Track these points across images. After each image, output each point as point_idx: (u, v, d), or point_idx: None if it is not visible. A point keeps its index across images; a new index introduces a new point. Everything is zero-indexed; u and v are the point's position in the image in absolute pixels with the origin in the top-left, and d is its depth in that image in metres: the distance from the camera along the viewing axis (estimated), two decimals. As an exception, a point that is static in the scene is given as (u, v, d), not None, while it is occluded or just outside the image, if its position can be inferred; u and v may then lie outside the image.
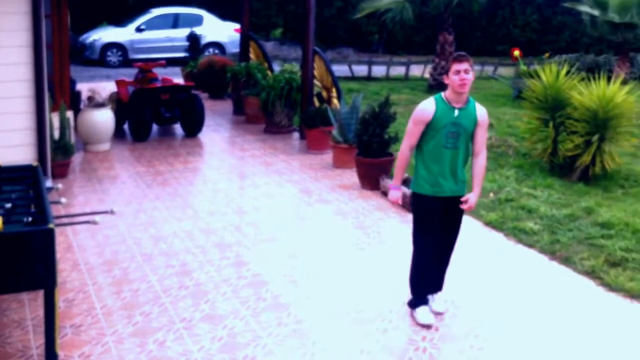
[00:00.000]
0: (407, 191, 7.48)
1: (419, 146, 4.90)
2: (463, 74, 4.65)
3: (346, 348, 4.64)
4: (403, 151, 4.96)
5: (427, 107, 4.81)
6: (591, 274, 5.81)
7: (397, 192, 5.10)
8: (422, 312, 4.99)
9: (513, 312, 5.18)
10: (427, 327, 4.90)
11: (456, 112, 4.76)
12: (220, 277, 5.77)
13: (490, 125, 12.26)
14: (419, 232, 4.97)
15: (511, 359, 4.52)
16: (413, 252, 5.05)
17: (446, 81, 4.77)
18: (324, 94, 11.31)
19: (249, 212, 7.45)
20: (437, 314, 5.09)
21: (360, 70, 19.47)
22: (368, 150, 8.41)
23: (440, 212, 4.88)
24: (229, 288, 5.55)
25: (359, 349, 4.63)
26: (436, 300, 5.16)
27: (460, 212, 4.99)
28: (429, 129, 4.79)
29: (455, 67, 4.66)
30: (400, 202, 5.17)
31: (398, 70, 19.87)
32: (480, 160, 4.92)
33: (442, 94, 4.83)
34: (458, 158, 4.83)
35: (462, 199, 4.89)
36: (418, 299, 5.06)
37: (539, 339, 4.77)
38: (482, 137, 4.87)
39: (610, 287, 5.57)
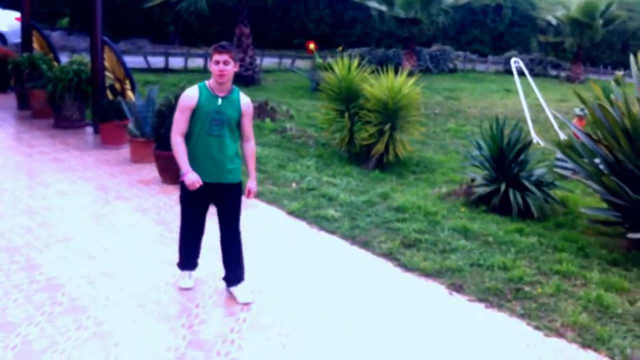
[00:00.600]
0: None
1: (188, 133, 4.91)
2: (222, 65, 4.75)
3: (151, 347, 4.47)
4: (174, 140, 4.88)
5: (190, 94, 4.86)
6: (389, 255, 6.11)
7: (193, 174, 4.90)
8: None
9: (318, 297, 5.29)
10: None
11: (219, 101, 4.85)
12: (10, 282, 5.31)
13: (290, 117, 12.58)
14: (183, 212, 5.17)
15: (318, 343, 4.61)
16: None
17: (211, 69, 4.86)
18: (117, 86, 10.86)
19: (40, 213, 6.94)
20: (245, 304, 5.08)
21: (157, 62, 19.00)
22: (166, 143, 8.14)
23: (205, 197, 5.00)
24: (20, 294, 5.12)
25: (165, 346, 4.48)
26: (241, 290, 5.17)
27: (234, 200, 5.07)
28: (194, 115, 4.85)
29: (216, 57, 4.76)
30: (200, 182, 4.96)
31: (196, 62, 19.66)
32: (250, 146, 5.08)
33: (207, 82, 4.90)
34: (223, 146, 4.90)
35: (246, 191, 5.08)
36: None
37: (343, 322, 4.91)
38: (247, 125, 5.00)
39: (407, 267, 5.88)
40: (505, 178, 7.75)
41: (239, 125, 4.95)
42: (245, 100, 4.97)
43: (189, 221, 5.16)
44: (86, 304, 5.01)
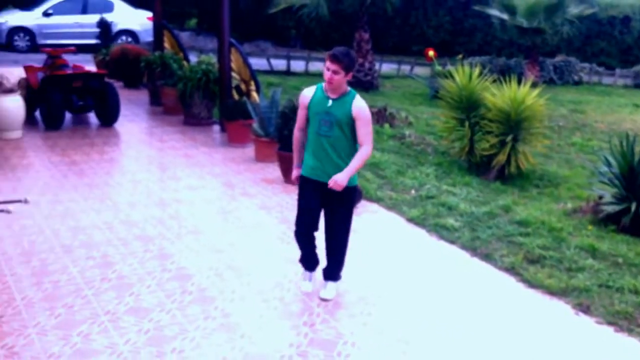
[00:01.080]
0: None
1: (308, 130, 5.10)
2: (331, 73, 4.80)
3: (275, 341, 4.60)
4: (294, 133, 5.24)
5: (305, 93, 5.07)
6: (511, 270, 5.98)
7: (295, 171, 5.24)
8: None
9: (438, 307, 5.27)
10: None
11: (330, 102, 4.90)
12: (144, 269, 5.62)
13: (409, 124, 12.55)
14: (297, 206, 5.24)
15: (437, 353, 4.60)
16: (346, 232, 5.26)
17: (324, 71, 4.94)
18: (243, 86, 11.20)
19: (171, 205, 7.29)
20: (324, 299, 5.25)
21: (279, 64, 19.43)
22: (290, 145, 8.33)
23: (315, 195, 5.06)
24: (153, 281, 5.41)
25: (287, 342, 4.60)
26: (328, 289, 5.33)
27: (343, 203, 5.10)
28: (309, 114, 5.02)
29: (327, 63, 4.84)
30: (297, 181, 5.23)
31: (317, 66, 19.94)
32: (361, 149, 4.94)
33: (323, 84, 4.98)
34: (333, 146, 4.93)
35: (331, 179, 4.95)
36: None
37: (464, 334, 4.87)
38: (360, 130, 4.89)
39: (530, 283, 5.74)
40: (637, 197, 7.43)
41: (352, 128, 4.92)
42: (357, 104, 4.89)
43: (300, 215, 5.17)
44: (214, 295, 5.22)
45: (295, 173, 5.24)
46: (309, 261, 5.41)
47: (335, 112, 4.88)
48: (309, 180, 5.06)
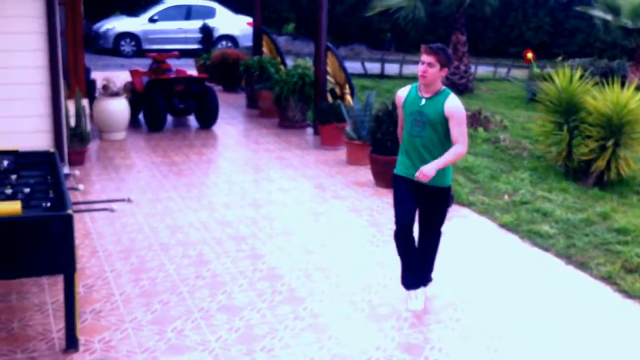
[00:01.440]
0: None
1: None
2: (426, 66, 4.71)
3: (361, 344, 4.65)
4: (398, 134, 5.19)
5: (400, 92, 5.08)
6: (608, 279, 5.79)
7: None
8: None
9: (530, 316, 5.17)
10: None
11: (423, 101, 4.84)
12: (237, 268, 5.79)
13: (504, 127, 12.31)
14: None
15: (528, 361, 4.53)
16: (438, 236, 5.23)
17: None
18: (337, 90, 11.31)
19: (264, 206, 7.47)
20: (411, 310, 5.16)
21: (373, 67, 19.46)
22: (382, 148, 8.39)
23: (411, 195, 4.98)
24: (245, 280, 5.57)
25: (374, 345, 4.64)
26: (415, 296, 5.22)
27: (436, 205, 5.05)
28: (403, 114, 5.00)
29: (422, 56, 4.75)
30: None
31: (411, 69, 19.79)
32: (454, 146, 4.82)
33: (418, 83, 4.92)
34: (426, 147, 4.86)
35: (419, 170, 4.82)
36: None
37: (556, 344, 4.77)
38: (454, 129, 4.78)
39: (628, 293, 5.54)
40: None
41: (446, 128, 4.82)
42: (451, 103, 4.78)
43: (397, 213, 5.02)
44: (303, 296, 5.32)
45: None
46: (410, 277, 5.17)
47: (428, 112, 4.79)
48: (403, 179, 5.00)
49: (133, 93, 11.33)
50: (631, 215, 7.48)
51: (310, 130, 11.27)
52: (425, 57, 4.72)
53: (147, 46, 21.37)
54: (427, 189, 4.95)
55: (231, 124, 11.79)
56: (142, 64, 15.37)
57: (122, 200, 6.03)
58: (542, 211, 7.48)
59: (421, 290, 5.22)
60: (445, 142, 4.87)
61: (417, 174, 4.78)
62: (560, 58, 20.83)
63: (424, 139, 4.85)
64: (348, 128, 9.35)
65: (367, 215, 7.28)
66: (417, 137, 4.87)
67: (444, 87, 4.87)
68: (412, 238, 5.12)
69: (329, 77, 11.28)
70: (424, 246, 5.22)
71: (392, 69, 19.63)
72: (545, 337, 4.84)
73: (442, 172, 4.87)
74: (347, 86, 11.01)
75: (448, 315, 5.10)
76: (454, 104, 4.80)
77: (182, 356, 4.41)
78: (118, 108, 10.19)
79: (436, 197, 5.03)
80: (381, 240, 6.56)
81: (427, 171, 4.73)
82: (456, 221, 7.18)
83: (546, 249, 6.49)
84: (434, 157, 4.83)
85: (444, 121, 4.80)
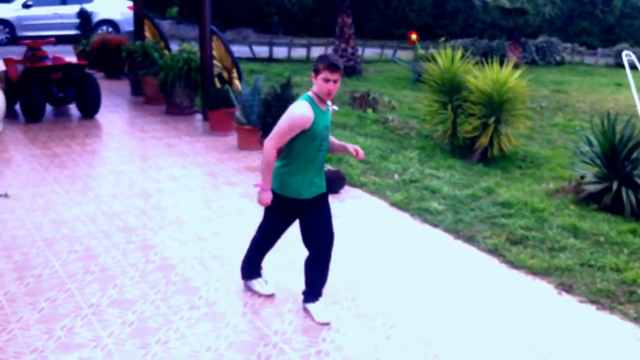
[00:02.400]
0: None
1: (286, 149, 4.57)
2: (332, 83, 4.39)
3: (259, 329, 4.61)
4: (269, 151, 4.49)
5: (306, 113, 4.38)
6: (494, 252, 6.02)
7: (269, 193, 4.67)
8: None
9: (422, 290, 5.30)
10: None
11: (328, 114, 4.59)
12: (127, 261, 5.60)
13: (392, 108, 12.56)
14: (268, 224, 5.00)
15: (421, 335, 4.62)
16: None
17: (314, 80, 4.45)
18: (225, 74, 11.15)
19: (154, 195, 7.26)
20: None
21: (261, 51, 19.36)
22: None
23: (300, 213, 4.75)
24: (136, 272, 5.39)
25: (272, 330, 4.61)
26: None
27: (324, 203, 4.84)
28: (305, 134, 4.43)
29: (327, 75, 4.37)
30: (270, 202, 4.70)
31: (299, 52, 19.89)
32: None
33: (311, 95, 4.47)
34: (324, 158, 4.72)
35: (352, 149, 4.74)
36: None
37: (447, 316, 4.90)
38: None
39: (513, 264, 5.78)
40: (618, 176, 7.48)
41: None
42: (332, 105, 4.76)
43: (270, 240, 5.07)
44: (198, 285, 5.22)
45: (270, 195, 4.65)
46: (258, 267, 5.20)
47: (329, 123, 4.61)
48: (306, 201, 4.66)
49: (7, 83, 10.73)
50: (514, 189, 7.80)
51: (198, 116, 11.06)
52: (331, 76, 4.36)
53: (21, 33, 20.34)
54: (314, 200, 4.74)
55: (115, 112, 11.39)
56: (17, 52, 14.59)
57: (0, 195, 5.68)
58: (430, 188, 7.68)
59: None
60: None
61: (361, 154, 4.70)
62: (442, 39, 21.47)
63: (325, 151, 4.64)
64: (237, 113, 9.24)
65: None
66: (324, 150, 4.60)
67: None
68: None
69: (215, 62, 11.10)
70: (316, 257, 4.94)
71: (280, 52, 19.60)
72: (437, 309, 4.96)
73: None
74: (234, 70, 10.86)
75: (344, 295, 5.14)
76: (333, 106, 4.79)
77: (72, 354, 4.21)
78: (-8, 98, 9.61)
79: (320, 199, 4.80)
80: (275, 225, 6.51)
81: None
82: (349, 202, 7.25)
83: (435, 225, 6.66)
84: (323, 166, 4.72)
85: None
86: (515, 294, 5.30)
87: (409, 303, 5.07)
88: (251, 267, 5.19)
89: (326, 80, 4.38)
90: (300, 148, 4.50)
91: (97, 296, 4.97)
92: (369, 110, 12.23)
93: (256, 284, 5.16)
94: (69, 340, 4.37)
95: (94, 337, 4.42)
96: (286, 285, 5.24)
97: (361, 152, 4.77)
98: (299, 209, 4.74)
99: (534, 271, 5.64)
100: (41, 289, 5.05)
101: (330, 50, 18.41)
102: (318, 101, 4.48)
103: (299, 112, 4.39)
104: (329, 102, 4.62)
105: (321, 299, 4.90)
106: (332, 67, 4.37)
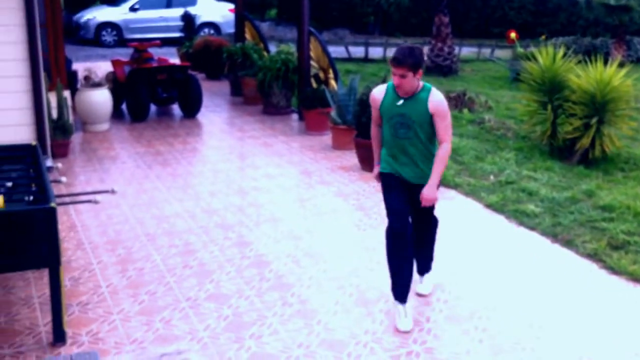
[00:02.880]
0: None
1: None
2: (398, 77, 4.48)
3: (350, 328, 4.66)
4: (371, 129, 4.95)
5: (376, 93, 4.74)
6: (593, 256, 5.83)
7: (375, 168, 4.96)
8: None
9: (517, 294, 5.20)
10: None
11: (401, 102, 4.58)
12: (224, 257, 5.78)
13: (489, 108, 12.33)
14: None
15: (515, 341, 4.55)
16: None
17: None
18: (321, 75, 11.26)
19: (250, 193, 7.45)
20: (421, 295, 5.14)
21: (357, 51, 19.41)
22: (367, 132, 8.34)
23: (405, 191, 4.77)
24: (232, 268, 5.56)
25: (363, 329, 4.65)
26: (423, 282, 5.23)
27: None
28: (382, 115, 4.72)
29: (392, 69, 4.50)
30: (377, 179, 4.97)
31: (395, 52, 19.80)
32: (440, 149, 4.63)
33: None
34: (416, 145, 4.65)
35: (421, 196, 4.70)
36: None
37: (543, 322, 4.80)
38: (439, 124, 4.59)
39: (613, 270, 5.58)
40: None
41: (431, 125, 4.62)
42: (434, 99, 4.58)
43: (390, 215, 4.78)
44: (291, 282, 5.32)
45: (375, 170, 4.95)
46: (401, 285, 4.78)
47: (411, 113, 4.58)
48: (390, 176, 4.78)
49: (115, 83, 11.24)
50: (616, 192, 7.52)
51: (294, 116, 11.24)
52: (394, 70, 4.47)
53: (128, 36, 21.22)
54: (417, 187, 4.76)
55: (215, 112, 11.73)
56: (124, 54, 15.26)
57: (106, 191, 5.98)
58: (527, 190, 7.51)
59: (427, 277, 5.25)
60: (432, 138, 4.70)
61: (423, 203, 4.68)
62: (543, 37, 20.86)
63: (412, 140, 4.63)
64: (333, 113, 9.33)
65: (354, 200, 7.27)
66: (404, 139, 4.63)
67: (423, 84, 4.63)
68: (407, 242, 4.73)
69: (312, 62, 11.23)
70: (421, 236, 5.05)
71: (376, 52, 19.58)
72: (533, 315, 4.86)
73: (428, 169, 4.70)
74: (330, 71, 10.96)
75: (436, 297, 5.12)
76: (437, 100, 4.59)
77: (170, 346, 4.39)
78: (100, 99, 10.10)
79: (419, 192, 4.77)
80: (368, 225, 6.57)
81: (431, 195, 4.65)
82: (443, 203, 7.17)
83: (532, 228, 6.51)
84: (422, 155, 4.69)
85: (430, 119, 4.60)
86: (615, 301, 5.13)
87: (504, 307, 4.99)
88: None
89: (394, 74, 4.52)
90: (384, 127, 4.78)
91: (194, 290, 5.15)
92: (465, 110, 12.06)
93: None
94: (167, 332, 4.56)
95: (190, 329, 4.60)
96: (377, 285, 5.27)
97: (426, 199, 4.69)
98: (388, 183, 4.85)
99: (635, 277, 5.43)
100: (142, 282, 5.30)
101: (426, 49, 18.24)
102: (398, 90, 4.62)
103: (372, 90, 4.84)
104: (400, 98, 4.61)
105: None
106: (393, 62, 4.49)
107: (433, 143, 4.75)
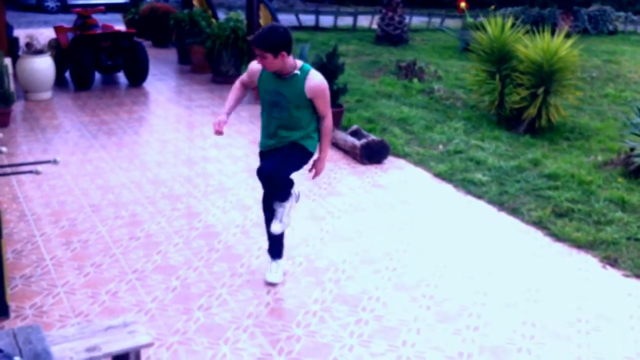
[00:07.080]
0: (357, 142, 7.51)
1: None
2: (260, 59, 4.27)
3: (300, 297, 4.66)
4: (235, 83, 4.74)
5: (255, 65, 4.49)
6: (539, 224, 5.94)
7: (223, 116, 4.61)
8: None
9: (464, 262, 5.27)
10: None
11: (279, 81, 4.38)
12: (172, 228, 5.70)
13: (439, 78, 12.39)
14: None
15: (461, 307, 4.61)
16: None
17: None
18: (272, 43, 11.12)
19: (199, 163, 7.34)
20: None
21: (308, 20, 19.26)
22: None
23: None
24: (180, 239, 5.49)
25: (312, 298, 4.65)
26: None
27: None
28: (259, 91, 4.54)
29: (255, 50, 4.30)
30: (218, 128, 4.57)
31: (346, 21, 19.73)
32: (325, 123, 4.54)
33: None
34: (289, 127, 4.49)
35: (315, 169, 4.73)
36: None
37: (488, 289, 4.87)
38: (320, 106, 4.46)
39: (557, 237, 5.71)
40: (670, 149, 7.28)
41: (309, 105, 4.44)
42: (311, 82, 4.36)
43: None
44: (241, 253, 5.28)
45: (223, 118, 4.59)
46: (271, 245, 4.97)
47: (287, 93, 4.38)
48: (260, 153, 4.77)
49: (58, 50, 10.92)
50: (561, 161, 7.66)
51: (244, 85, 11.09)
52: (256, 51, 4.25)
53: (72, 2, 20.61)
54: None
55: (162, 81, 11.51)
56: (67, 20, 14.81)
57: (48, 161, 5.80)
58: (475, 160, 7.59)
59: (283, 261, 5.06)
60: (309, 118, 4.52)
61: (314, 177, 4.85)
62: (492, 7, 21.01)
63: (284, 120, 4.45)
64: (282, 82, 9.22)
65: (304, 169, 7.22)
66: (277, 119, 4.46)
67: (301, 64, 4.39)
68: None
69: (261, 30, 11.08)
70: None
71: (326, 21, 19.46)
72: (479, 282, 4.93)
73: (304, 137, 4.56)
74: (280, 39, 10.83)
75: (384, 265, 5.15)
76: (314, 84, 4.37)
77: (117, 318, 4.30)
78: (43, 66, 9.79)
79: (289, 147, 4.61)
80: (317, 194, 6.55)
81: (322, 167, 4.78)
82: (392, 172, 7.22)
83: (479, 197, 6.60)
84: (295, 135, 4.52)
85: (307, 101, 4.41)
86: (559, 267, 5.24)
87: (450, 274, 5.05)
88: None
89: (256, 55, 4.29)
90: (261, 103, 4.60)
91: (141, 262, 5.07)
92: (415, 80, 12.10)
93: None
94: (114, 305, 4.49)
95: (137, 301, 4.53)
96: (326, 255, 5.28)
97: (315, 171, 4.79)
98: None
99: (578, 244, 5.56)
100: (87, 254, 5.19)
101: (377, 18, 18.18)
102: None
103: (252, 62, 4.56)
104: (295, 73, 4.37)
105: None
106: (252, 43, 4.33)
107: (308, 121, 4.54)
